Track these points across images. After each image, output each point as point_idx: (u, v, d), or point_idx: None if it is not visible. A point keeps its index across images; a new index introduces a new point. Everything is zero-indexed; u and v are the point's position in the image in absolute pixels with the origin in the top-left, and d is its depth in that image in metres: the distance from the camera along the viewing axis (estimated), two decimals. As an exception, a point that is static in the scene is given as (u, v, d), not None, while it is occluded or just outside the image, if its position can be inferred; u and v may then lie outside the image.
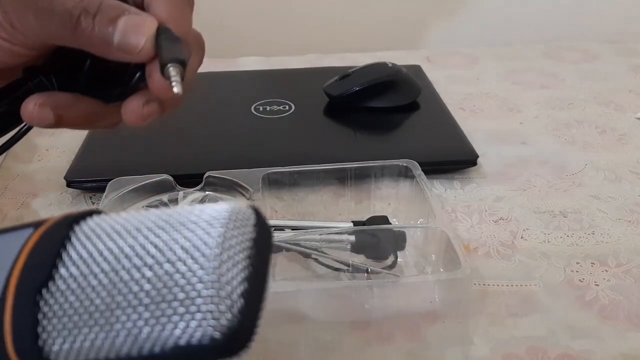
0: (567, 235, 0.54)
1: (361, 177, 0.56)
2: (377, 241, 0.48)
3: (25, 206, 0.60)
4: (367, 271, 0.47)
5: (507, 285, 0.49)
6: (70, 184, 0.60)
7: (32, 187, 0.63)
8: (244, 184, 0.52)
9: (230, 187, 0.53)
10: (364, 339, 0.44)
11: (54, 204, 0.60)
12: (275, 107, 0.73)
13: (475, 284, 0.49)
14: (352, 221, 0.50)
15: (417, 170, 0.53)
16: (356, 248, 0.48)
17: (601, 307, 0.46)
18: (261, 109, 0.73)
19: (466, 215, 0.57)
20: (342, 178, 0.57)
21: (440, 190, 0.61)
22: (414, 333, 0.44)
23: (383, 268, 0.48)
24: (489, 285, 0.49)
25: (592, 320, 0.45)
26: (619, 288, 0.48)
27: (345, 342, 0.43)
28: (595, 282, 0.49)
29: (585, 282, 0.49)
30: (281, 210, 0.56)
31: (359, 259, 0.48)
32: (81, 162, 0.63)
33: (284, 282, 0.47)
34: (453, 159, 0.64)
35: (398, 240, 0.48)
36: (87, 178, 0.60)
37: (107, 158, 0.65)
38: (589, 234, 0.54)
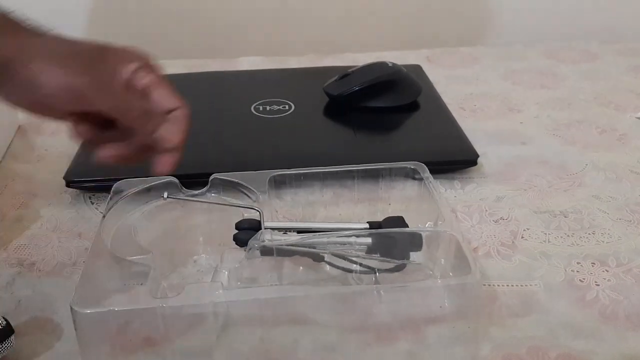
0: (568, 235, 0.54)
1: (368, 178, 0.55)
2: (393, 243, 0.47)
3: (25, 206, 0.60)
4: (375, 272, 0.46)
5: (507, 285, 0.49)
6: (69, 184, 0.60)
7: (31, 187, 0.63)
8: (249, 186, 0.52)
9: (236, 189, 0.52)
10: (367, 341, 0.43)
11: (53, 203, 0.60)
12: (275, 107, 0.73)
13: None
14: (367, 222, 0.49)
15: (425, 173, 0.52)
16: (372, 249, 0.47)
17: (601, 307, 0.46)
18: (261, 108, 0.73)
19: (466, 215, 0.57)
20: (348, 180, 0.56)
21: (441, 190, 0.61)
22: (423, 337, 0.44)
23: (391, 270, 0.47)
24: (489, 285, 0.49)
25: (592, 320, 0.45)
26: (619, 288, 0.48)
27: (348, 344, 0.43)
28: (595, 282, 0.49)
29: (585, 282, 0.49)
30: (290, 212, 0.55)
31: (374, 261, 0.47)
32: (81, 162, 0.63)
33: (292, 286, 0.47)
34: (453, 158, 0.64)
35: (415, 242, 0.47)
36: (86, 178, 0.60)
37: (107, 158, 0.65)
38: (589, 234, 0.54)
